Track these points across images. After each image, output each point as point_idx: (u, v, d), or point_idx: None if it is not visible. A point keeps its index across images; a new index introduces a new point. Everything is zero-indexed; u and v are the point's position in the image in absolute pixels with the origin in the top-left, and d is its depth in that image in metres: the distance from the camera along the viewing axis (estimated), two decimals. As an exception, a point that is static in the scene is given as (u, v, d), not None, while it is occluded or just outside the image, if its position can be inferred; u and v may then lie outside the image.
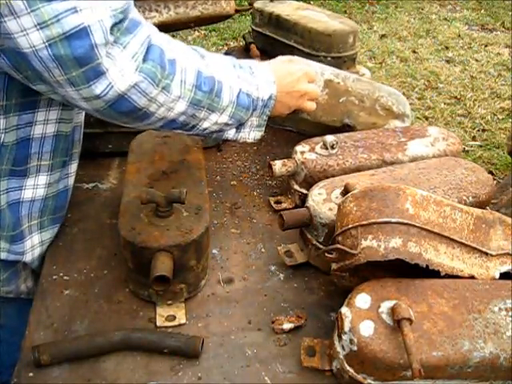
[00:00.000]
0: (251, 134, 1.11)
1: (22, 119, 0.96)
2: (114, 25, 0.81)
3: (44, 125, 0.99)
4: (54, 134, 1.02)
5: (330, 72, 1.34)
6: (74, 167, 1.13)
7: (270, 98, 1.08)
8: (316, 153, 1.21)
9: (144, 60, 0.86)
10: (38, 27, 0.75)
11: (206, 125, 1.00)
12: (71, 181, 1.13)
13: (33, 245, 1.08)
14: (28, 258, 1.08)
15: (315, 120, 1.31)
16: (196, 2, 1.32)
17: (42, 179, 1.04)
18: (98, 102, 0.84)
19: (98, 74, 0.80)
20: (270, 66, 1.13)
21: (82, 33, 0.77)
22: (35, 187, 1.04)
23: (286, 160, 1.21)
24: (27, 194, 1.03)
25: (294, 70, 1.15)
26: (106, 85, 0.82)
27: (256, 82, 1.06)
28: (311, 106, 1.19)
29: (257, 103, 1.06)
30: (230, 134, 1.08)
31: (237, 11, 1.42)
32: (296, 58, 1.22)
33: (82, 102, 0.85)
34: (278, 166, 1.20)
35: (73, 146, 1.10)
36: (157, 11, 1.29)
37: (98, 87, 0.82)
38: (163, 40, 0.91)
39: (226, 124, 1.04)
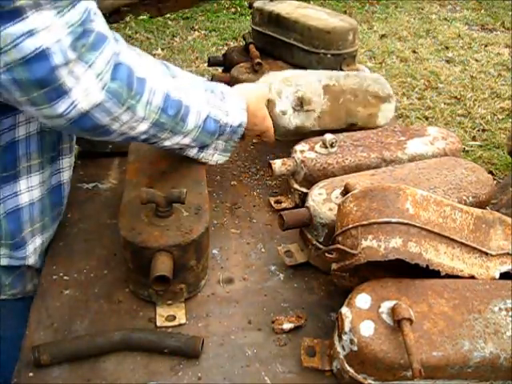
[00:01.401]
0: (215, 156, 1.13)
1: (4, 124, 0.94)
2: (77, 40, 0.79)
3: (27, 124, 0.97)
4: (37, 131, 1.00)
5: (324, 76, 1.35)
6: (66, 162, 1.11)
7: (240, 125, 1.10)
8: (315, 151, 1.21)
9: (111, 79, 0.84)
10: None
11: (167, 143, 1.02)
12: (65, 176, 1.12)
13: (35, 247, 1.07)
14: (31, 261, 1.07)
15: (324, 128, 1.31)
16: None
17: (35, 179, 1.03)
18: (60, 120, 0.83)
19: (61, 93, 0.79)
20: (242, 94, 1.13)
21: (41, 56, 0.75)
22: (30, 189, 1.02)
23: (285, 159, 1.22)
24: (24, 199, 1.02)
25: (264, 110, 1.19)
26: (69, 104, 0.81)
27: (226, 107, 1.07)
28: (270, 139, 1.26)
29: (224, 129, 1.07)
30: (192, 152, 1.09)
31: None
32: (265, 114, 1.22)
33: (43, 119, 0.85)
34: (278, 165, 1.20)
35: (60, 141, 1.08)
36: None
37: (61, 106, 0.80)
38: (133, 57, 0.89)
39: (188, 145, 1.06)
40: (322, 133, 1.24)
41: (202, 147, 1.09)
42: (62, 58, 0.77)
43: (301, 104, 1.28)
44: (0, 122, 0.93)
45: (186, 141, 1.03)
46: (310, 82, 1.32)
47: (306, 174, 1.19)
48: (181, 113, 0.97)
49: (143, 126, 0.93)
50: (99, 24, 0.83)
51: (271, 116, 1.23)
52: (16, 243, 1.03)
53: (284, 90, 1.28)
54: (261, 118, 1.18)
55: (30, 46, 0.74)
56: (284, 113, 1.28)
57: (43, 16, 0.75)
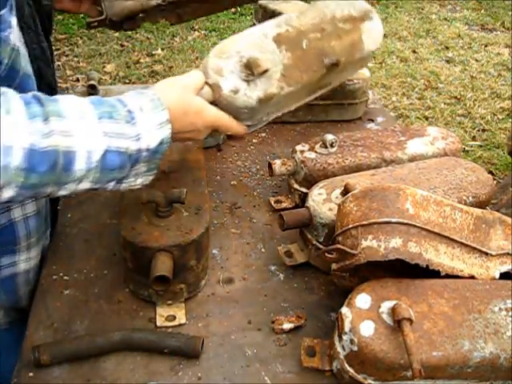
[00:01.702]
0: (138, 180, 0.91)
1: None
2: None
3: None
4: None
5: (270, 26, 1.09)
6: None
7: (162, 143, 0.87)
8: (316, 152, 1.21)
9: None
10: None
11: (63, 193, 0.82)
12: (15, 213, 1.03)
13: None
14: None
15: (300, 84, 1.08)
16: None
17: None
18: None
19: None
20: (164, 99, 0.89)
21: None
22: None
23: (285, 159, 1.22)
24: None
25: (197, 119, 0.96)
26: None
27: (136, 131, 0.83)
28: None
29: (138, 156, 0.85)
30: (109, 186, 0.88)
31: None
32: (200, 106, 0.97)
33: None
34: (278, 165, 1.20)
35: None
36: None
37: None
38: None
39: (93, 189, 0.85)
40: (313, 92, 1.12)
41: (120, 179, 0.88)
42: None
43: (250, 70, 0.99)
44: None
45: (85, 186, 0.83)
46: (254, 40, 1.05)
47: (306, 174, 1.19)
48: (59, 163, 0.76)
49: (8, 192, 0.74)
50: None
51: (222, 104, 1.00)
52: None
53: (224, 65, 1.00)
54: (194, 115, 0.95)
55: None
56: (235, 91, 0.99)
57: None
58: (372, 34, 1.19)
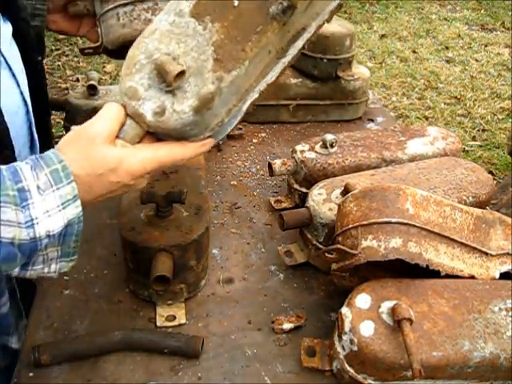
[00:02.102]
0: (52, 267, 0.76)
1: None
2: None
3: None
4: None
5: (172, 8, 0.76)
6: None
7: (71, 222, 0.71)
8: (316, 152, 1.21)
9: None
10: None
11: None
12: None
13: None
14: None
15: (268, 57, 0.80)
16: None
17: None
18: None
19: None
20: (71, 168, 0.71)
21: None
22: None
23: (285, 159, 1.22)
24: None
25: (123, 179, 0.75)
26: None
27: (28, 215, 0.67)
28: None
29: (33, 245, 0.69)
30: (14, 272, 0.73)
31: None
32: (116, 159, 0.73)
33: None
34: (278, 165, 1.20)
35: None
36: None
37: None
38: None
39: None
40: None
41: (23, 266, 0.73)
42: None
43: (166, 77, 0.71)
44: None
45: None
46: (165, 28, 0.74)
47: (306, 174, 1.19)
48: None
49: None
50: None
51: (158, 133, 0.77)
52: None
53: (137, 82, 0.73)
54: (112, 172, 0.73)
55: None
56: (161, 112, 0.73)
57: None
58: None
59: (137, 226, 0.96)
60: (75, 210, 0.71)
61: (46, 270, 0.75)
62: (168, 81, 0.71)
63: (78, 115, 1.34)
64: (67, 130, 1.38)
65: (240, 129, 1.55)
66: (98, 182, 0.73)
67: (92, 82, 1.35)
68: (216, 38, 0.74)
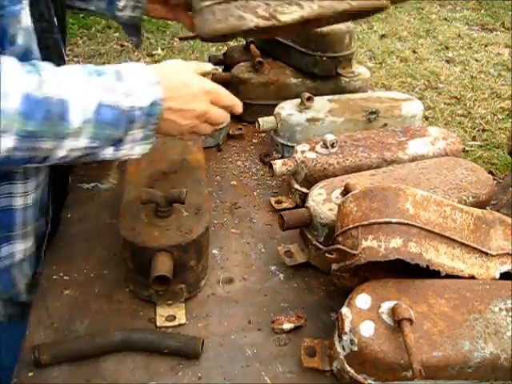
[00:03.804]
0: (136, 149, 0.89)
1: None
2: None
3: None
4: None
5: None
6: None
7: (154, 103, 0.85)
8: (316, 152, 1.21)
9: None
10: None
11: (61, 154, 0.82)
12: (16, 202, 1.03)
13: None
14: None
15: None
16: None
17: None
18: None
19: None
20: (155, 67, 0.91)
21: None
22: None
23: (286, 159, 1.22)
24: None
25: (192, 81, 0.93)
26: None
27: (125, 88, 0.83)
28: (206, 129, 0.98)
29: (131, 114, 0.83)
30: (107, 154, 0.87)
31: (393, 2, 1.17)
32: (194, 65, 0.99)
33: None
34: (279, 165, 1.20)
35: None
36: (298, 5, 1.11)
37: None
38: None
39: (92, 147, 0.84)
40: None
41: (117, 144, 0.86)
42: None
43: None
44: None
45: (83, 142, 0.82)
46: None
47: (306, 174, 1.19)
48: (54, 112, 0.77)
49: (8, 142, 0.75)
50: None
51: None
52: None
53: None
54: (184, 101, 0.90)
55: None
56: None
57: None
58: None
59: (137, 226, 0.96)
60: (158, 92, 0.85)
61: (131, 151, 0.88)
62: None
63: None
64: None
65: (240, 129, 1.55)
66: (182, 89, 0.90)
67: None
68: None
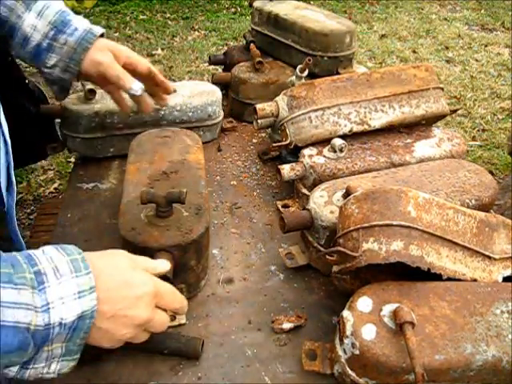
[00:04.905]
0: (53, 367, 0.70)
1: None
2: None
3: None
4: None
5: None
6: None
7: (82, 317, 0.67)
8: (324, 156, 1.20)
9: None
10: None
11: None
12: None
13: None
14: None
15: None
16: (419, 101, 1.28)
17: None
18: None
19: None
20: (93, 262, 0.71)
21: None
22: None
23: (294, 164, 1.20)
24: None
25: (136, 280, 0.75)
26: None
27: (45, 299, 0.64)
28: (144, 337, 0.79)
29: (46, 333, 0.65)
30: (11, 372, 0.67)
31: (452, 112, 1.36)
32: (142, 261, 0.82)
33: None
34: (287, 170, 1.19)
35: None
36: (382, 111, 1.25)
37: None
38: None
39: None
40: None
41: (24, 364, 0.67)
42: None
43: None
44: None
45: None
46: None
47: (315, 179, 1.18)
48: None
49: None
50: None
51: None
52: None
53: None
54: (122, 307, 0.72)
55: None
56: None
57: None
58: None
59: (137, 226, 0.96)
60: (90, 302, 0.68)
61: (45, 369, 0.69)
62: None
63: (80, 120, 1.32)
64: (64, 136, 1.36)
65: (231, 121, 1.56)
66: (114, 318, 0.72)
67: (90, 86, 1.32)
68: None
